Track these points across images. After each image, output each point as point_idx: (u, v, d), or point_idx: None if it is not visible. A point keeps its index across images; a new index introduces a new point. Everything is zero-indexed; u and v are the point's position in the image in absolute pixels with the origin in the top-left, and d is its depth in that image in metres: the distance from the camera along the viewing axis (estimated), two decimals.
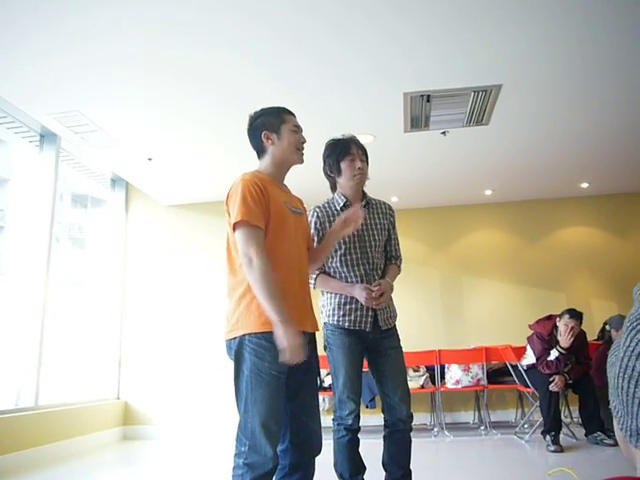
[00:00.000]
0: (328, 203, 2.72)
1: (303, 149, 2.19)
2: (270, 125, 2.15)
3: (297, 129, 2.19)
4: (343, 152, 2.66)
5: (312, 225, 2.62)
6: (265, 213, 1.99)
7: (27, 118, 4.48)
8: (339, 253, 2.61)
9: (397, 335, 2.68)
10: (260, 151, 2.18)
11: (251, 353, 1.90)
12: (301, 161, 2.20)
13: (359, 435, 2.61)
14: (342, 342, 2.57)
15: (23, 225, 5.27)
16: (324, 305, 2.69)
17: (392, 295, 2.70)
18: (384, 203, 2.79)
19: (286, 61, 3.66)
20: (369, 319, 2.57)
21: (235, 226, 1.96)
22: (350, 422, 2.53)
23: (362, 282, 2.58)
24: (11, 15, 3.09)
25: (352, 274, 2.60)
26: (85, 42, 3.36)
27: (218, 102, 4.17)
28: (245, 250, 1.93)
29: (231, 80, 3.87)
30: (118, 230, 6.44)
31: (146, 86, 3.91)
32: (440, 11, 3.17)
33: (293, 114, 2.22)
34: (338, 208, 2.67)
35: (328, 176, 2.74)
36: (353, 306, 2.58)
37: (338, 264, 2.61)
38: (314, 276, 2.62)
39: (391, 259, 2.74)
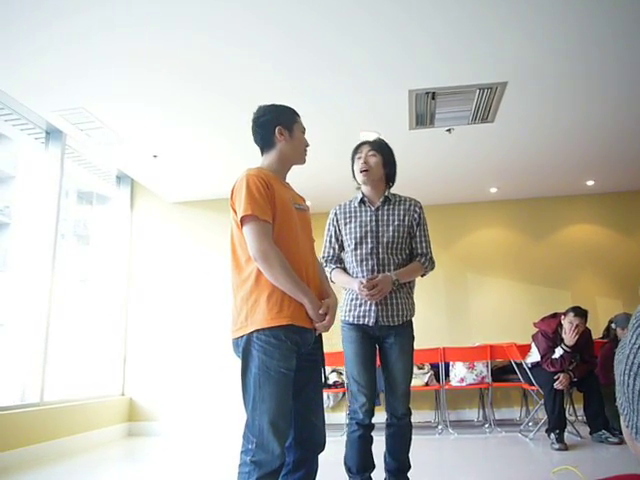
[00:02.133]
0: (350, 201, 2.80)
1: (306, 152, 2.24)
2: (285, 121, 2.15)
3: (304, 131, 2.22)
4: (354, 152, 2.79)
5: (329, 223, 2.75)
6: (271, 208, 1.97)
7: (32, 115, 4.50)
8: (351, 248, 2.68)
9: (407, 333, 2.67)
10: (268, 146, 2.15)
11: (259, 351, 1.89)
12: (304, 162, 2.23)
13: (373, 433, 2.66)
14: (351, 337, 2.65)
15: (29, 222, 5.29)
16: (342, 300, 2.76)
17: (405, 293, 2.68)
18: (410, 200, 2.78)
19: (291, 58, 3.66)
20: (372, 314, 2.60)
21: (243, 221, 1.94)
22: (361, 416, 2.58)
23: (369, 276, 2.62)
24: (15, 12, 3.09)
25: (361, 269, 2.65)
26: (90, 39, 3.37)
27: (223, 99, 4.17)
28: (258, 245, 1.91)
29: (236, 77, 3.87)
30: (123, 227, 6.46)
31: (151, 83, 3.92)
32: (445, 8, 3.16)
33: (300, 116, 2.25)
34: (355, 205, 2.75)
35: (354, 178, 2.83)
36: (358, 301, 2.63)
37: (352, 259, 2.68)
38: (329, 270, 2.70)
39: (416, 256, 2.71)
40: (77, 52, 3.50)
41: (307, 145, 2.22)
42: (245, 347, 1.92)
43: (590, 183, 6.52)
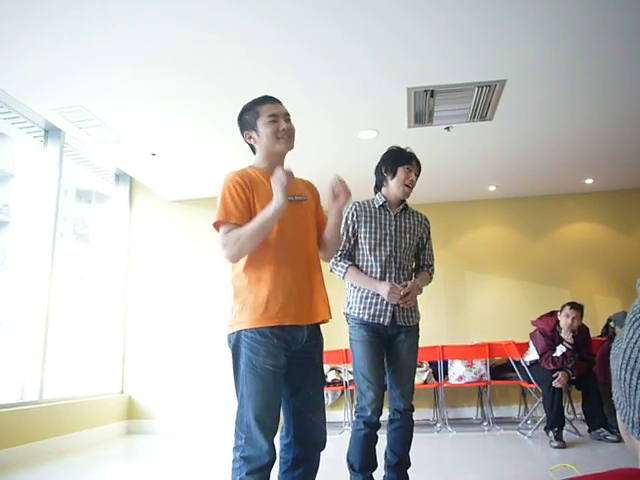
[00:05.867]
0: (368, 201, 2.84)
1: (287, 136, 2.10)
2: (247, 123, 2.13)
3: (274, 118, 2.08)
4: (404, 160, 2.80)
5: (348, 217, 2.77)
6: (247, 208, 1.99)
7: (31, 113, 4.49)
8: (370, 248, 2.72)
9: (415, 332, 2.77)
10: (251, 148, 2.19)
11: (246, 347, 1.92)
12: (287, 148, 2.13)
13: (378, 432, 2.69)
14: (362, 335, 2.68)
15: (27, 220, 5.28)
16: (348, 297, 2.80)
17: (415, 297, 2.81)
18: (421, 214, 2.93)
19: (290, 56, 3.66)
20: (388, 313, 2.66)
21: (215, 227, 2.01)
22: (369, 414, 2.60)
23: (390, 280, 2.68)
24: (14, 8, 3.09)
25: (381, 270, 2.70)
26: (88, 36, 3.36)
27: (222, 97, 4.17)
28: (221, 248, 1.96)
29: (235, 75, 3.87)
30: (122, 225, 6.46)
31: (150, 81, 3.91)
32: (445, 5, 3.16)
33: (270, 101, 2.13)
34: (376, 206, 2.81)
35: (380, 174, 2.85)
36: (374, 300, 2.68)
37: (371, 259, 2.72)
38: (345, 266, 2.73)
39: (423, 267, 2.88)
40: (76, 50, 3.50)
41: (283, 128, 2.08)
42: (234, 344, 1.96)
43: (589, 181, 6.53)
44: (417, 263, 2.89)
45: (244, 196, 1.99)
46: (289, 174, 1.96)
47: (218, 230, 2.00)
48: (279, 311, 1.94)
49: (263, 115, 2.10)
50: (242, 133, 2.17)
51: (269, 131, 2.08)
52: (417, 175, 2.82)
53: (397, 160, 2.80)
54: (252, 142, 2.14)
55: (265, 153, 2.13)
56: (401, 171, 2.77)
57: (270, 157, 2.13)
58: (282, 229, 2.02)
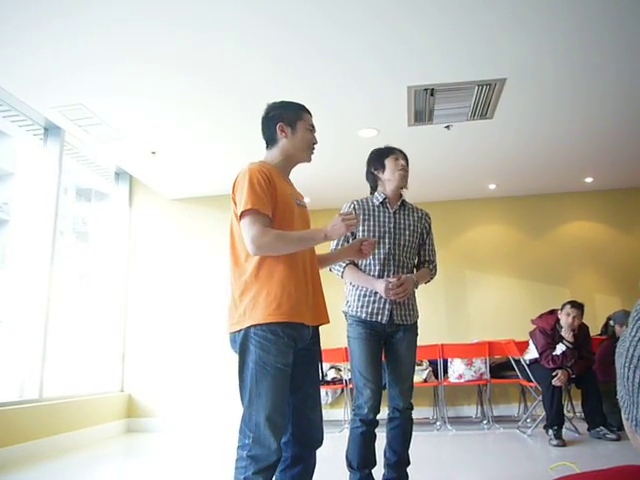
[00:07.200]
0: (367, 199, 2.83)
1: (314, 149, 2.22)
2: (286, 118, 2.16)
3: (312, 128, 2.21)
4: (387, 152, 2.83)
5: None
6: (272, 202, 1.98)
7: (31, 111, 4.49)
8: None
9: (414, 330, 2.76)
10: (271, 142, 2.18)
11: (256, 346, 1.90)
12: (309, 160, 2.22)
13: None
14: (359, 333, 2.68)
15: (27, 219, 5.29)
16: (347, 296, 2.80)
17: (413, 295, 2.80)
18: (421, 210, 2.91)
19: (291, 54, 3.65)
20: (386, 312, 2.66)
21: (243, 215, 1.94)
22: (365, 411, 2.61)
23: (388, 277, 2.66)
24: (14, 7, 3.08)
25: (380, 268, 2.69)
26: (88, 35, 3.36)
27: (223, 95, 4.16)
28: (253, 235, 1.90)
29: (237, 73, 3.86)
30: (122, 224, 6.45)
31: (150, 79, 3.91)
32: (445, 5, 3.16)
33: (310, 113, 2.23)
34: (376, 204, 2.79)
35: (371, 175, 2.85)
36: (372, 298, 2.68)
37: (370, 257, 2.69)
38: (343, 265, 2.73)
39: (424, 263, 2.85)
40: (76, 48, 3.49)
41: (314, 142, 2.21)
42: (242, 342, 1.93)
43: (589, 180, 6.53)
44: (418, 259, 2.86)
45: (271, 188, 1.99)
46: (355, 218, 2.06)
47: (244, 217, 1.94)
48: (292, 308, 1.94)
49: (306, 121, 2.19)
50: (272, 123, 2.16)
51: (308, 137, 2.19)
52: (406, 163, 2.81)
53: (381, 155, 2.82)
54: (282, 136, 2.14)
55: (287, 154, 2.15)
56: (389, 161, 2.78)
57: (289, 159, 2.17)
58: (294, 229, 2.04)
